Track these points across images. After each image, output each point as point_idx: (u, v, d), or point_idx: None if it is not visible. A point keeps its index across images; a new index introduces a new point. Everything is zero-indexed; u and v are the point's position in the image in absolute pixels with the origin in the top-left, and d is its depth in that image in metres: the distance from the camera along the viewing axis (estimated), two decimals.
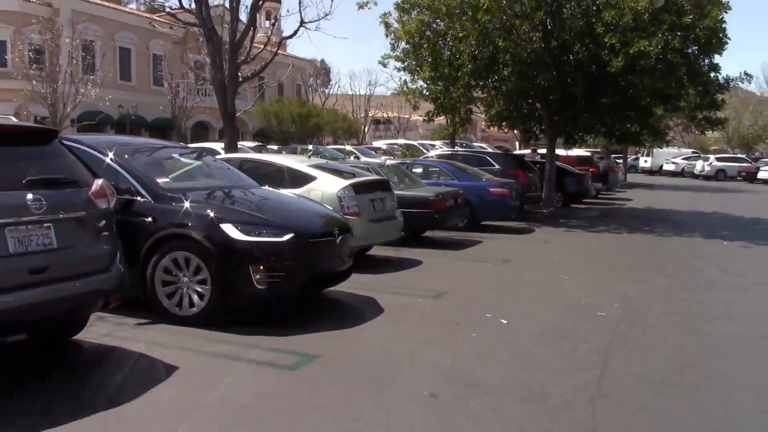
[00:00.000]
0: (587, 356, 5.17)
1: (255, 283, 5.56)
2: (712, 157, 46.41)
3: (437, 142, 34.36)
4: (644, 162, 49.79)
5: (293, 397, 4.19)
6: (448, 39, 15.88)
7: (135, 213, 5.75)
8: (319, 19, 16.30)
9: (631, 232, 14.04)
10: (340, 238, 6.26)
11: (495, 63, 15.45)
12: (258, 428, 3.76)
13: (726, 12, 14.07)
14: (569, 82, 15.73)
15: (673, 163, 47.20)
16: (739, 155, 50.98)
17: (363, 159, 17.45)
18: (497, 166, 16.07)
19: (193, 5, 13.62)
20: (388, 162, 13.59)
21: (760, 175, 40.08)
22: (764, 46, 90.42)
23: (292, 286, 5.85)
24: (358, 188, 8.52)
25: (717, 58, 15.22)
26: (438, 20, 16.30)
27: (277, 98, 47.01)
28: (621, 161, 36.63)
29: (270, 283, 5.60)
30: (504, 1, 14.22)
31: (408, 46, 17.04)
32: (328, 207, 7.44)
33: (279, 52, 18.46)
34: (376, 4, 16.37)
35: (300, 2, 19.95)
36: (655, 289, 8.00)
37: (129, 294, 5.46)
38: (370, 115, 73.05)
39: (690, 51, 14.56)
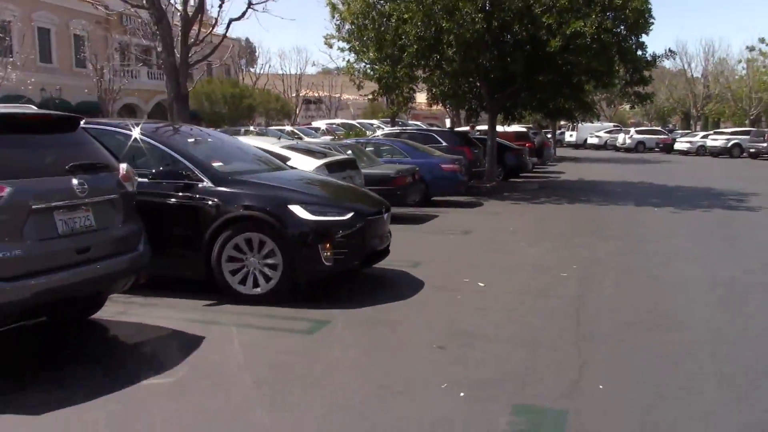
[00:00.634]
0: (562, 308, 5.87)
1: (323, 260, 5.90)
2: (632, 130, 48.91)
3: (375, 121, 34.83)
4: (570, 136, 51.96)
5: (317, 354, 4.68)
6: (393, 20, 16.30)
7: (196, 197, 5.95)
8: (266, 1, 16.35)
9: (570, 202, 15.03)
10: (386, 215, 6.71)
11: (439, 43, 16.01)
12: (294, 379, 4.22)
13: None
14: (509, 61, 16.47)
15: (597, 136, 49.48)
16: (657, 128, 53.86)
17: (306, 139, 17.76)
18: (444, 144, 16.74)
19: None
20: (347, 141, 13.99)
21: (676, 146, 42.69)
22: (676, 23, 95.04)
23: (353, 262, 6.30)
24: (331, 167, 8.95)
25: (643, 38, 16.31)
26: (382, 2, 16.70)
27: (207, 79, 46.18)
28: (550, 136, 38.14)
29: (335, 260, 5.97)
30: None
31: (353, 27, 17.40)
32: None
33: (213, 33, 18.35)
34: None
35: None
36: (604, 251, 8.85)
37: (190, 274, 5.99)
38: (302, 94, 72.46)
39: (620, 31, 15.55)
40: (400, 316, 5.67)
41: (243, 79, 59.59)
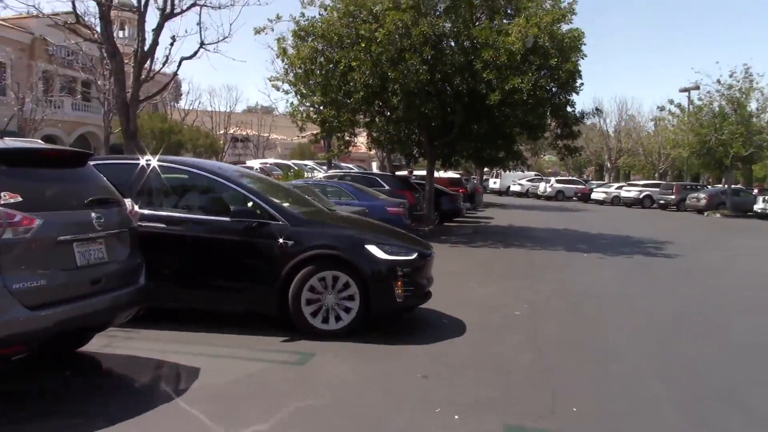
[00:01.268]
0: (526, 342, 6.42)
1: (396, 296, 6.25)
2: (552, 179, 51.44)
3: (309, 162, 35.20)
4: (493, 183, 54.06)
5: (308, 384, 5.00)
6: (341, 67, 16.91)
7: (271, 235, 6.19)
8: (219, 42, 16.67)
9: (506, 246, 15.86)
10: (432, 256, 7.02)
11: (384, 91, 16.72)
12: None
13: (582, 59, 16.49)
14: (449, 111, 17.39)
15: (519, 184, 51.71)
16: (575, 178, 56.85)
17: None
18: (386, 187, 17.34)
19: (97, 24, 13.62)
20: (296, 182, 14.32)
21: (593, 196, 45.24)
22: (592, 82, 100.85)
23: (417, 299, 6.65)
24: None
25: (573, 95, 17.63)
26: (330, 49, 17.32)
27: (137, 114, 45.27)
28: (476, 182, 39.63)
29: (405, 296, 6.33)
30: (396, 36, 15.62)
31: (300, 71, 17.91)
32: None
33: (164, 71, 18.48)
34: (272, 29, 17.08)
35: (200, 24, 20.07)
36: (547, 292, 9.57)
37: (260, 310, 6.28)
38: (231, 132, 72.03)
39: (552, 88, 16.77)
40: (384, 351, 6.06)
41: (171, 114, 58.85)
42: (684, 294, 10.19)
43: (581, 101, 35.72)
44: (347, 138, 20.24)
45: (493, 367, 5.55)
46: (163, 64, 15.50)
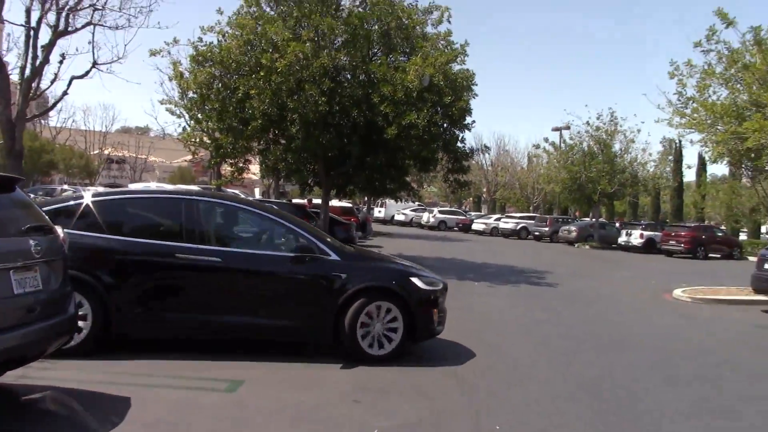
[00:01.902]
0: (441, 369, 6.76)
1: (435, 323, 6.93)
2: (435, 210, 53.22)
3: (195, 187, 34.26)
4: (378, 212, 55.08)
5: (239, 411, 5.03)
6: (239, 94, 16.83)
7: (328, 270, 6.66)
8: (112, 62, 16.12)
9: None
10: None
11: (283, 120, 16.86)
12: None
13: (474, 98, 17.51)
14: (346, 142, 17.77)
15: (403, 214, 53.06)
16: (456, 209, 59.13)
17: None
18: None
19: None
20: None
21: (474, 226, 47.28)
22: (490, 118, 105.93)
23: (444, 325, 7.21)
24: None
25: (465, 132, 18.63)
26: (229, 75, 17.23)
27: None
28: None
29: (439, 323, 7.03)
30: (297, 67, 15.85)
31: (195, 96, 17.66)
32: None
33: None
34: (169, 53, 16.79)
35: (93, 43, 19.25)
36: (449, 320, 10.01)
37: (314, 339, 6.86)
38: (107, 152, 68.78)
39: (445, 125, 17.64)
40: (309, 377, 6.17)
41: (41, 132, 55.46)
42: (570, 319, 11.03)
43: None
44: (240, 165, 20.12)
45: (416, 392, 5.81)
46: (52, 82, 14.74)
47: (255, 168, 24.45)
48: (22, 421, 4.63)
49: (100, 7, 15.78)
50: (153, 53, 16.50)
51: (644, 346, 8.91)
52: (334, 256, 6.76)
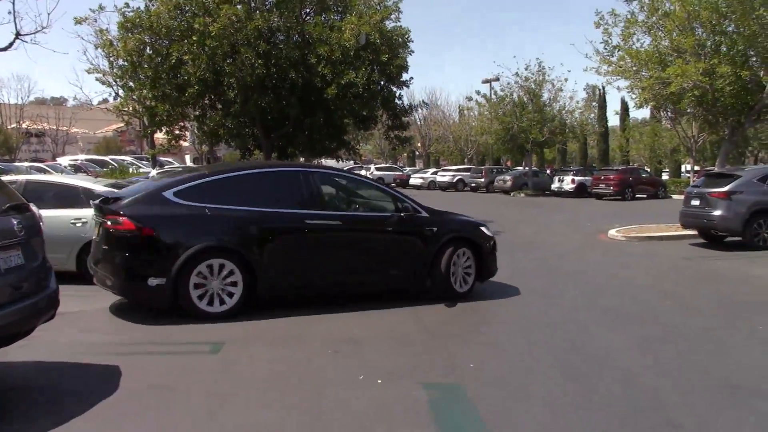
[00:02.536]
0: (409, 317, 7.15)
1: (496, 263, 8.46)
2: (372, 167, 53.43)
3: (127, 158, 33.37)
4: None
5: (230, 369, 5.27)
6: (172, 60, 16.42)
7: (422, 224, 7.83)
8: (37, 32, 15.40)
9: None
10: None
11: (220, 85, 16.63)
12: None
13: (410, 55, 17.69)
14: (285, 104, 17.69)
15: None
16: (392, 165, 59.59)
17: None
18: None
19: None
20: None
21: (411, 181, 47.91)
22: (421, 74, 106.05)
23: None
24: None
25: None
26: (161, 41, 16.76)
27: None
28: None
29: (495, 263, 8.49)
30: (231, 30, 15.60)
31: (126, 63, 17.13)
32: None
33: None
34: (96, 20, 16.17)
35: (14, 13, 18.20)
36: None
37: (407, 286, 7.96)
38: (24, 126, 65.60)
39: (383, 82, 17.78)
40: (288, 333, 6.42)
41: None
42: (519, 264, 11.62)
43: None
44: (176, 132, 19.74)
45: (393, 341, 6.18)
46: None
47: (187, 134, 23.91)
48: (4, 399, 4.72)
49: None
50: (78, 21, 15.88)
51: (587, 283, 9.57)
52: (424, 213, 7.92)
